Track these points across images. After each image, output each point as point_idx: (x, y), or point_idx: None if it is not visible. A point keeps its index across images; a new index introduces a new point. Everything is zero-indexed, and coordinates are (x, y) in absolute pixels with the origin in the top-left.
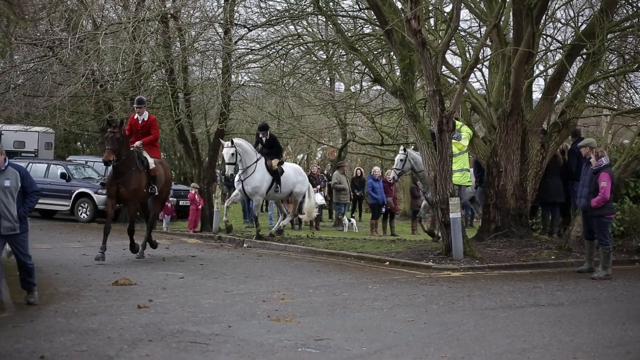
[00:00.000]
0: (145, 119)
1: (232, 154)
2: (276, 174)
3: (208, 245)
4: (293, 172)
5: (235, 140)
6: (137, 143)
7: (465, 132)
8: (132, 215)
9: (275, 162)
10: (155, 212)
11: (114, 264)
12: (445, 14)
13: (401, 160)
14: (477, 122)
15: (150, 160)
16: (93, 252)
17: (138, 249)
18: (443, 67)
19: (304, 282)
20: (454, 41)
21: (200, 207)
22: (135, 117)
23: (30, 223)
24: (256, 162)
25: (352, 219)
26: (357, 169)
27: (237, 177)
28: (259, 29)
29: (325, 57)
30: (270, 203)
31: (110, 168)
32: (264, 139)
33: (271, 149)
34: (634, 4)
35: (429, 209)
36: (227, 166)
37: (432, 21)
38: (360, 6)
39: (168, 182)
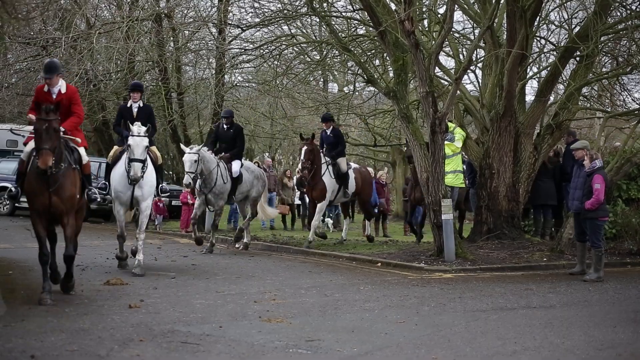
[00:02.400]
0: (63, 91)
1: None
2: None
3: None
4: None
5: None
6: None
7: (459, 133)
8: (71, 235)
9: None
10: (75, 230)
11: (106, 263)
12: (439, 16)
13: (195, 161)
14: (470, 124)
15: (82, 152)
16: (84, 252)
17: (70, 285)
18: (436, 68)
19: (295, 282)
20: (447, 43)
21: (191, 203)
22: (46, 88)
23: (21, 222)
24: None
25: (328, 219)
26: None
27: (124, 180)
28: (253, 29)
29: (318, 57)
30: None
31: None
32: (135, 105)
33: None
34: (628, 7)
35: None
36: (136, 164)
37: (425, 22)
38: (354, 7)
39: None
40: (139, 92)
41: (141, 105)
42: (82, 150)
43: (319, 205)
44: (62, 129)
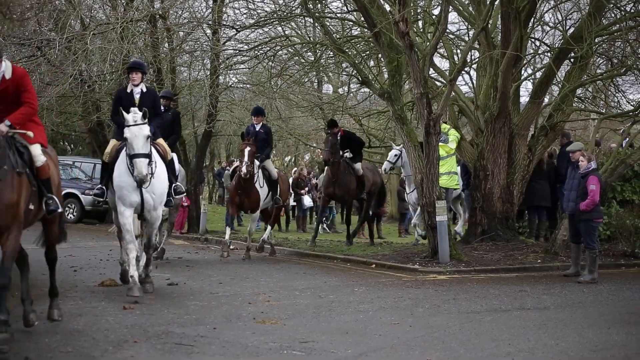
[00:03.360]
0: (8, 76)
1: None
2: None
3: (194, 246)
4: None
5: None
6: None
7: (453, 135)
8: (11, 254)
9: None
10: (53, 252)
11: (100, 265)
12: (434, 17)
13: None
14: (464, 125)
15: (36, 151)
16: (79, 253)
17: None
18: (431, 69)
19: (289, 284)
20: (441, 44)
21: (186, 205)
22: None
23: None
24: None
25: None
26: None
27: (130, 177)
28: (247, 30)
29: (313, 58)
30: None
31: None
32: (137, 90)
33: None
34: (622, 8)
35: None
36: (138, 160)
37: (420, 24)
38: (349, 8)
39: (59, 189)
40: (139, 73)
41: (144, 89)
42: (36, 149)
43: (253, 215)
44: (7, 122)
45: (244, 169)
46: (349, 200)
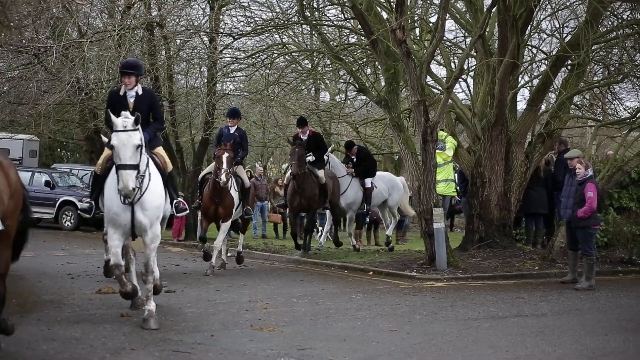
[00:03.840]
0: None
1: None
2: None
3: (192, 254)
4: None
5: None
6: None
7: (450, 142)
8: None
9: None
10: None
11: (98, 272)
12: (431, 25)
13: None
14: (461, 133)
15: None
16: (77, 261)
17: None
18: (428, 77)
19: (287, 291)
20: (438, 51)
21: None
22: None
23: None
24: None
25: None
26: None
27: (121, 202)
28: (244, 38)
29: (310, 66)
30: (256, 212)
31: None
32: (131, 93)
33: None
34: (619, 16)
35: None
36: (124, 172)
37: (417, 31)
38: (346, 16)
39: (16, 195)
40: (132, 77)
41: (139, 92)
42: None
43: (224, 224)
44: None
45: (223, 178)
46: (313, 207)
